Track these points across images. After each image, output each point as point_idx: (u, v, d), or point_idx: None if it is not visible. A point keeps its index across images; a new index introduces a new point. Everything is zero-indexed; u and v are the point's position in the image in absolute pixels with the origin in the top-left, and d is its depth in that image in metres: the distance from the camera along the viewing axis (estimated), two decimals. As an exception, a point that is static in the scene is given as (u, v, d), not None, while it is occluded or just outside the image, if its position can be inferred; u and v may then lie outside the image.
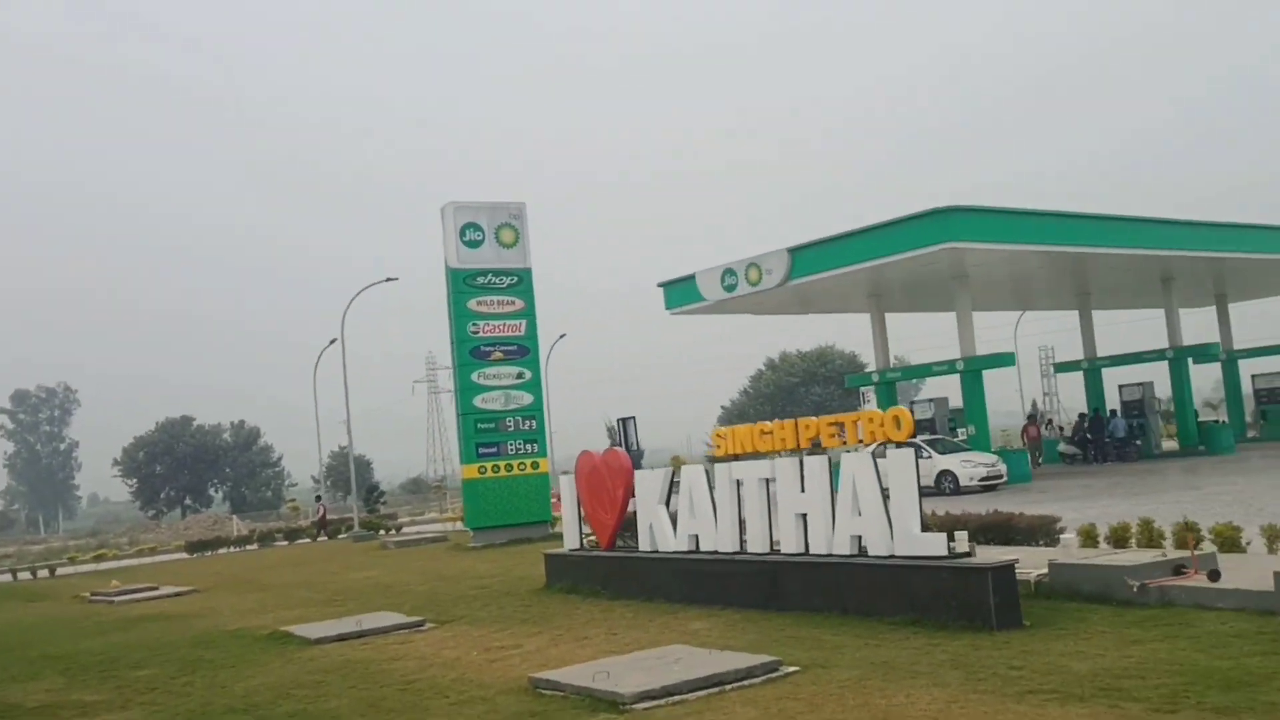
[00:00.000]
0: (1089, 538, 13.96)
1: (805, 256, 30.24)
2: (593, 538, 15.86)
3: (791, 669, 9.18)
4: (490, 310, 27.13)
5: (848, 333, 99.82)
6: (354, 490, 44.74)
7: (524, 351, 27.44)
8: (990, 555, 11.12)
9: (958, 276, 31.35)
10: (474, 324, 27.00)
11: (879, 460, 11.18)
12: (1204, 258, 32.52)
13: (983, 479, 27.43)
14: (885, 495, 11.16)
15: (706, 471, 13.66)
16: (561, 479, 16.26)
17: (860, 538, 11.46)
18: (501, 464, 26.67)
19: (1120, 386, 38.47)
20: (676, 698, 8.55)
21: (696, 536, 13.62)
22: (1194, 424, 36.98)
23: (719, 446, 13.31)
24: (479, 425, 26.75)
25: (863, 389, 51.33)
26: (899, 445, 12.01)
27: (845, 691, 8.24)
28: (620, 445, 25.14)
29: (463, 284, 27.00)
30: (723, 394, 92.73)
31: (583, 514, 15.91)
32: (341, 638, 13.39)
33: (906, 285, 33.54)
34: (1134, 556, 11.07)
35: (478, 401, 26.79)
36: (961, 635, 9.88)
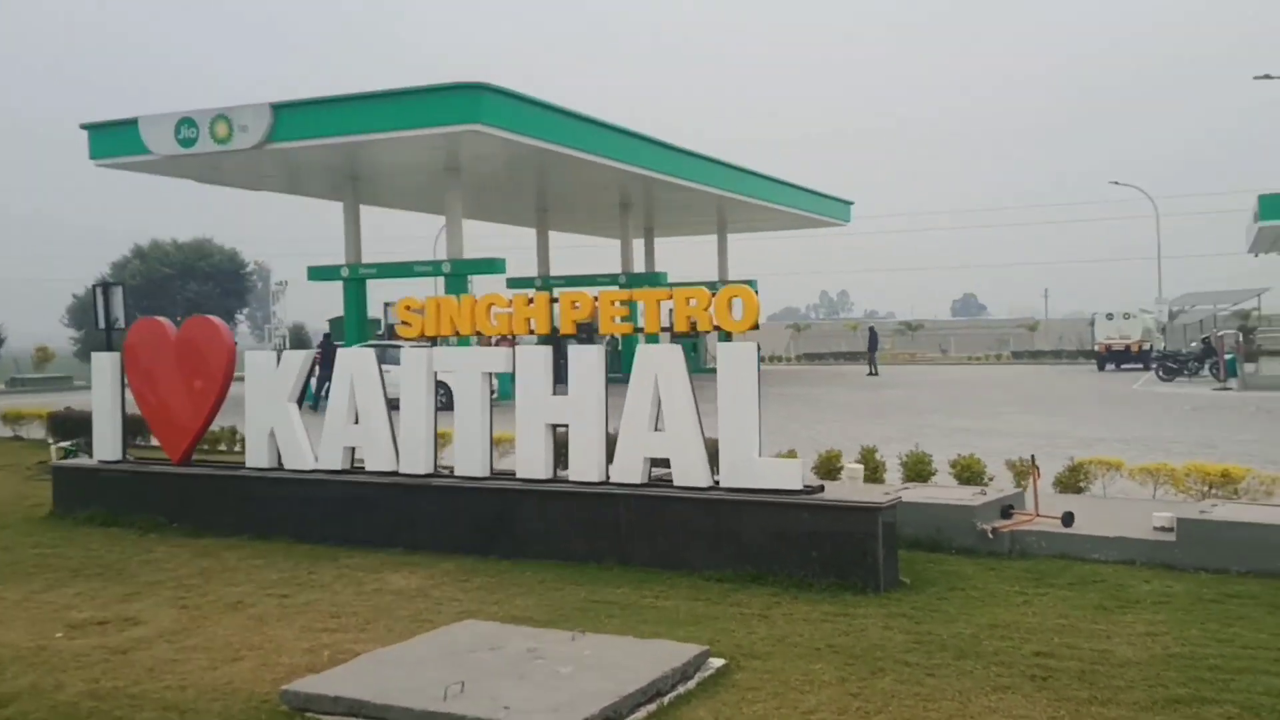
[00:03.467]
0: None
1: (294, 116, 25.49)
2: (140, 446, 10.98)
3: (717, 662, 6.07)
4: None
5: (228, 224, 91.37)
6: None
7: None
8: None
9: (451, 169, 28.46)
10: None
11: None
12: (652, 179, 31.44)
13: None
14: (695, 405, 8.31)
15: (379, 358, 9.67)
16: (96, 358, 10.94)
17: (658, 462, 8.48)
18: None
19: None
20: (616, 728, 5.09)
21: (353, 450, 9.64)
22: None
23: (410, 325, 9.41)
24: None
25: (276, 285, 47.16)
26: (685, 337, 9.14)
27: (854, 698, 5.39)
28: (101, 326, 18.79)
29: None
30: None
31: (136, 411, 10.92)
32: None
33: (392, 172, 29.97)
34: (956, 494, 9.29)
35: None
36: (847, 599, 7.34)
